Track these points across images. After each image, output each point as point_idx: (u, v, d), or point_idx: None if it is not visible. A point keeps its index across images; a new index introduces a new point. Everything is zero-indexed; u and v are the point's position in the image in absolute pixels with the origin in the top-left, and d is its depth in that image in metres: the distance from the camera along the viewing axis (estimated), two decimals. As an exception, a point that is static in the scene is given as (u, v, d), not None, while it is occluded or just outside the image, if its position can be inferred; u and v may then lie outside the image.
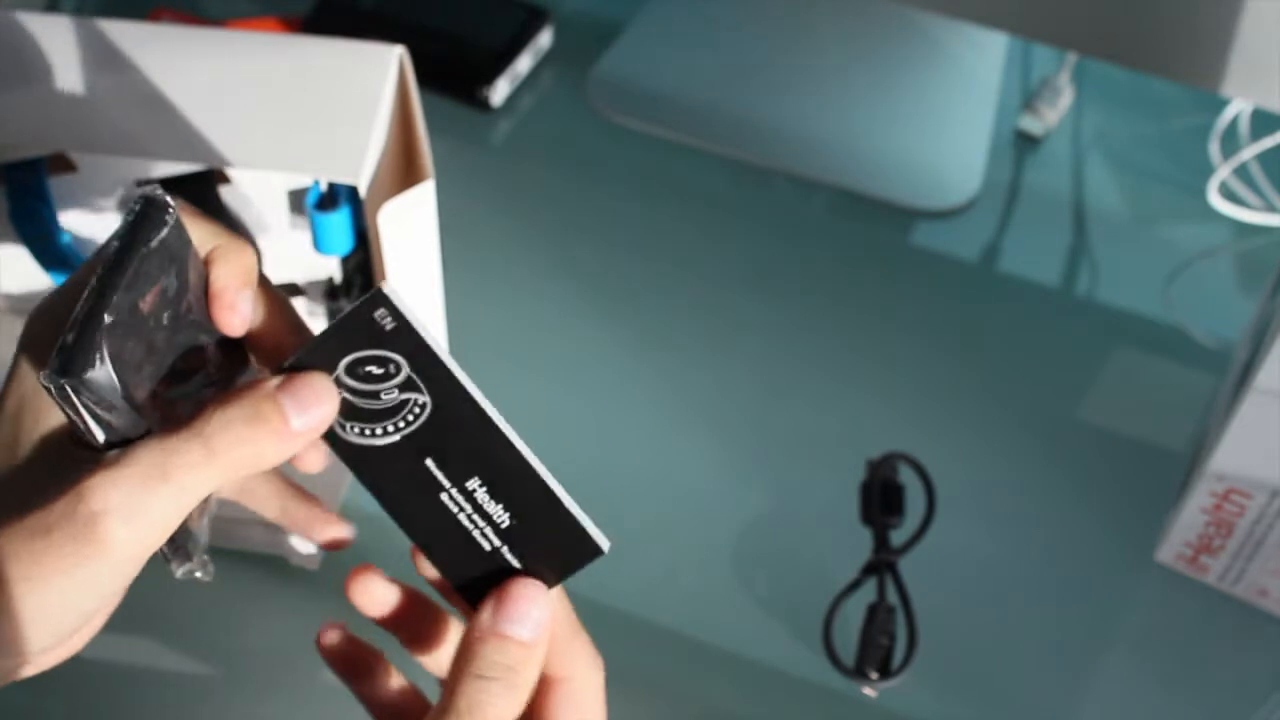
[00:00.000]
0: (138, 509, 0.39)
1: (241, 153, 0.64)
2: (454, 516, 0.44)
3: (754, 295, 0.78)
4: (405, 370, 0.43)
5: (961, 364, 0.75)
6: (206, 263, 0.44)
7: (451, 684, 0.42)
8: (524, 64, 0.89)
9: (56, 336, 0.40)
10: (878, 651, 0.61)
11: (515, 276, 0.79)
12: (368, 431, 0.43)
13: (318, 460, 0.46)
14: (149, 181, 0.65)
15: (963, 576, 0.67)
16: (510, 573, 0.44)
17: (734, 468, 0.71)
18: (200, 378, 0.44)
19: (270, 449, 0.41)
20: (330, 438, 0.43)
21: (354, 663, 0.48)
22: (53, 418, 0.41)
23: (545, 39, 0.90)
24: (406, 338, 0.42)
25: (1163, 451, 0.71)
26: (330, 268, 0.69)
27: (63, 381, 0.39)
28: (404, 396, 0.43)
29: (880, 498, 0.64)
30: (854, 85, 0.89)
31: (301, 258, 0.69)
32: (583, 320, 0.77)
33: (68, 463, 0.40)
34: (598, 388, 0.74)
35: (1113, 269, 0.80)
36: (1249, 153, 0.81)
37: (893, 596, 0.62)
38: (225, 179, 0.66)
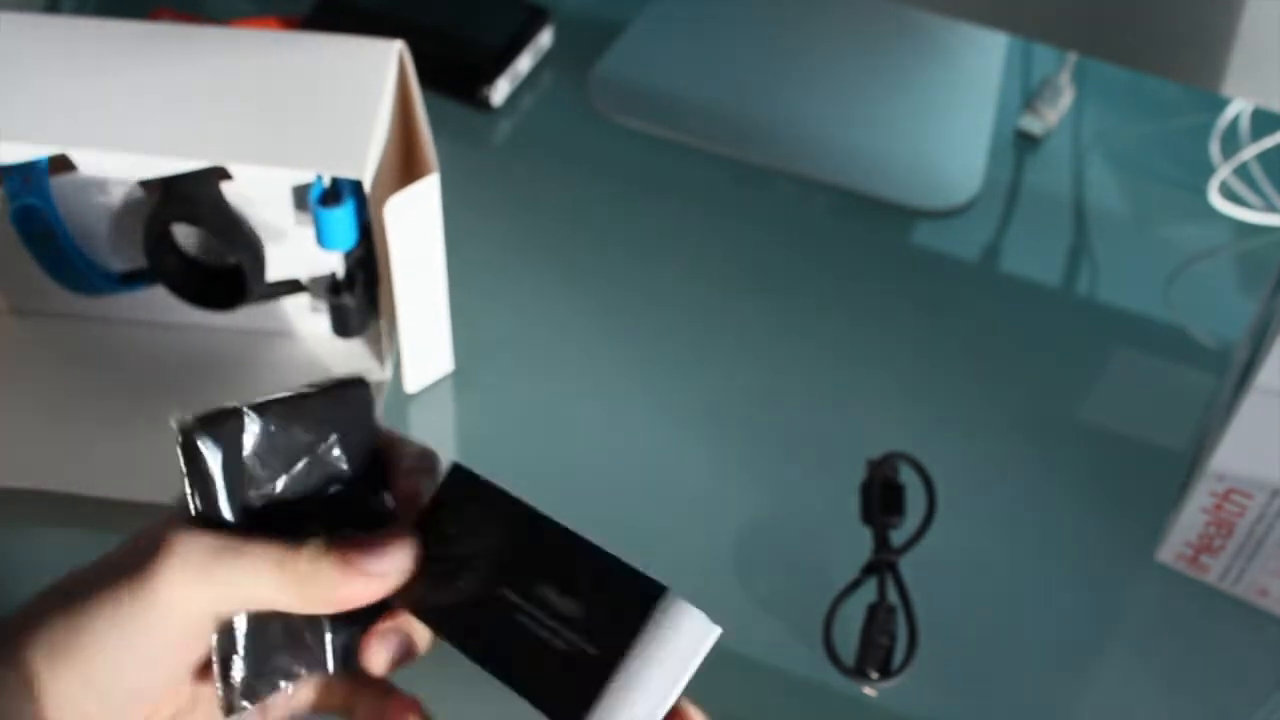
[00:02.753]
0: (196, 564, 0.41)
1: (244, 149, 0.64)
2: (531, 630, 0.43)
3: (753, 294, 0.78)
4: (480, 514, 0.45)
5: (961, 364, 0.75)
6: (390, 445, 0.47)
7: None
8: (524, 64, 0.89)
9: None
10: (878, 651, 0.61)
11: (514, 276, 0.79)
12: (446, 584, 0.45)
13: (381, 662, 0.46)
14: (153, 181, 0.65)
15: (963, 576, 0.67)
16: (590, 665, 0.42)
17: (734, 467, 0.71)
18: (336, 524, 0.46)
19: (338, 583, 0.43)
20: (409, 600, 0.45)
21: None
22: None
23: (545, 39, 0.90)
24: (479, 492, 0.46)
25: (1163, 451, 0.71)
26: (333, 263, 0.69)
27: (194, 433, 0.42)
28: (488, 540, 0.45)
29: (880, 497, 0.64)
30: (854, 85, 0.89)
31: (305, 253, 0.69)
32: (582, 319, 0.77)
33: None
34: (597, 387, 0.74)
35: (1113, 269, 0.80)
36: (1249, 153, 0.81)
37: (893, 596, 0.62)
38: (228, 176, 0.66)
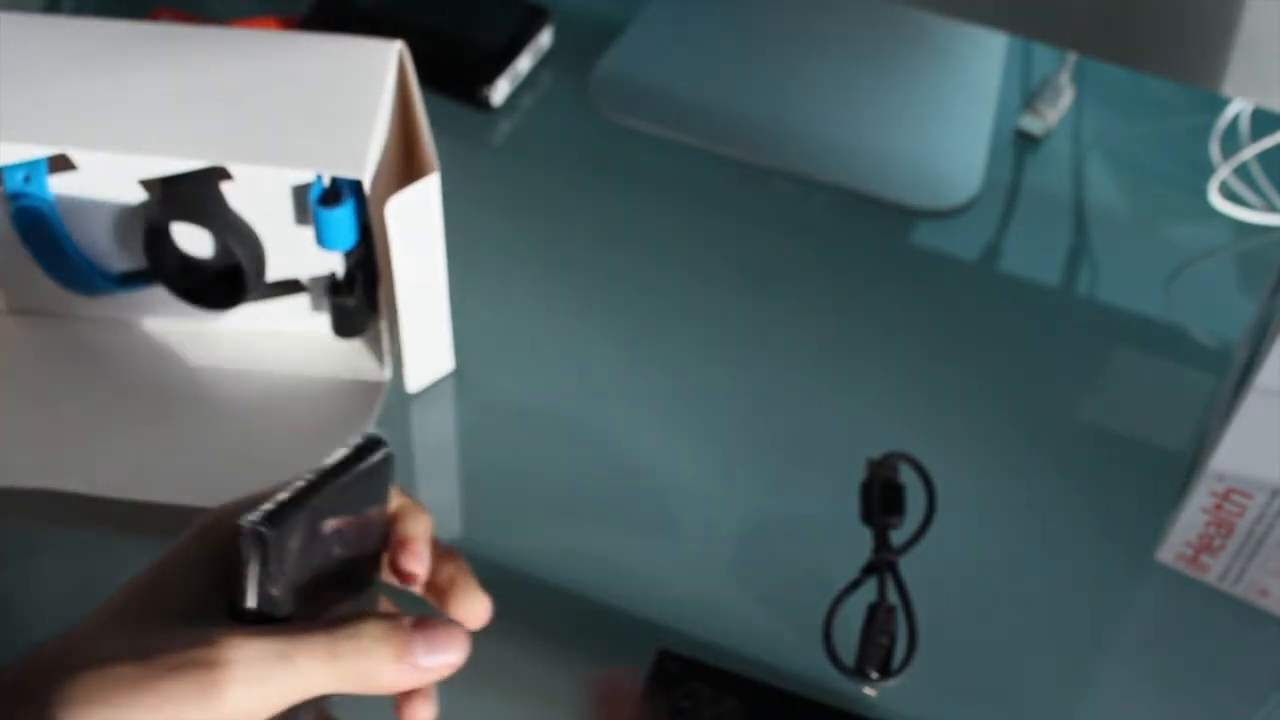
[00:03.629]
0: (256, 676, 0.42)
1: (244, 149, 0.64)
2: None
3: (753, 294, 0.78)
4: (705, 689, 0.53)
5: (961, 364, 0.75)
6: (393, 516, 0.49)
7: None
8: (524, 64, 0.89)
9: (232, 525, 0.43)
10: (878, 651, 0.61)
11: (515, 275, 0.79)
12: None
13: (427, 714, 0.49)
14: (159, 193, 0.66)
15: (962, 577, 0.67)
16: None
17: (735, 467, 0.71)
18: (341, 588, 0.47)
19: (388, 674, 0.44)
20: None
21: None
22: (203, 584, 0.45)
23: (545, 39, 0.90)
24: (694, 667, 0.53)
25: (1163, 451, 0.71)
26: (333, 263, 0.69)
27: (262, 530, 0.43)
28: (717, 710, 0.53)
29: (880, 497, 0.64)
30: (854, 85, 0.89)
31: (304, 253, 0.69)
32: (582, 319, 0.77)
33: (204, 621, 0.43)
34: (597, 386, 0.74)
35: (1113, 269, 0.80)
36: (1249, 152, 0.81)
37: (893, 596, 0.62)
38: (228, 176, 0.66)
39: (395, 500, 0.49)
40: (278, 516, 0.43)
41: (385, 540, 0.49)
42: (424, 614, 0.47)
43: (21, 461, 0.67)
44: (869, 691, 0.61)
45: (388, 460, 0.47)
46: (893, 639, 0.61)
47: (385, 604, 0.51)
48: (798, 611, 0.64)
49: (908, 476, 0.65)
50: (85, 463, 0.67)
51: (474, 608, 0.49)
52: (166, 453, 0.68)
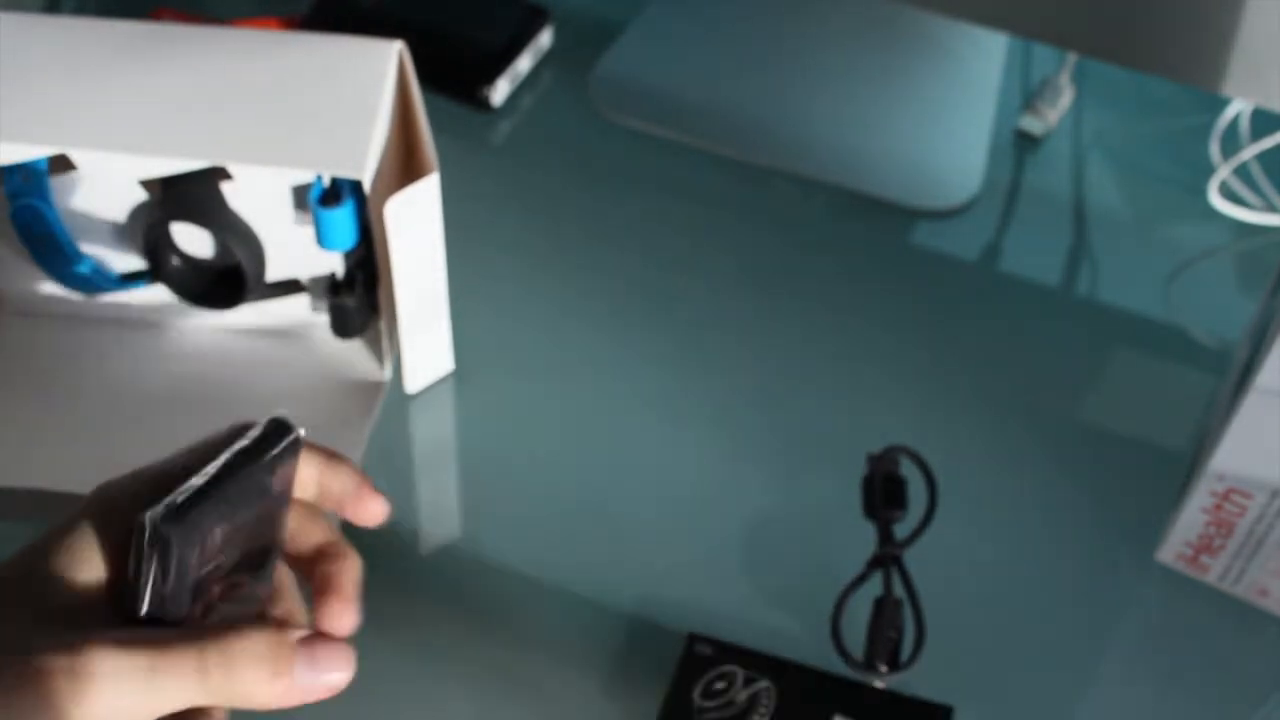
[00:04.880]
0: (122, 690, 0.39)
1: (244, 149, 0.64)
2: None
3: (753, 294, 0.78)
4: (739, 671, 0.55)
5: (961, 364, 0.75)
6: (322, 551, 0.46)
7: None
8: (524, 64, 0.89)
9: (131, 509, 0.41)
10: (886, 645, 0.61)
11: (515, 275, 0.79)
12: None
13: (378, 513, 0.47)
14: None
15: (963, 577, 0.67)
16: None
17: (735, 466, 0.71)
18: (239, 572, 0.45)
19: (263, 692, 0.42)
20: None
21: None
22: (91, 574, 0.42)
23: (545, 39, 0.90)
24: (725, 649, 0.55)
25: (1163, 451, 0.71)
26: (333, 263, 0.69)
27: (166, 531, 0.40)
28: (751, 691, 0.55)
29: (882, 491, 0.64)
30: (854, 85, 0.89)
31: (304, 253, 0.69)
32: (582, 319, 0.77)
33: (85, 619, 0.41)
34: (597, 386, 0.74)
35: (1113, 269, 0.80)
36: (1249, 152, 0.81)
37: (899, 592, 0.62)
38: (228, 176, 0.66)
39: (326, 534, 0.47)
40: (183, 513, 0.40)
41: (285, 517, 0.46)
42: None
43: (21, 461, 0.67)
44: (879, 685, 0.61)
45: (296, 444, 0.44)
46: (900, 632, 0.61)
47: (284, 579, 0.48)
48: (805, 607, 0.64)
49: (909, 476, 0.65)
50: (85, 463, 0.66)
51: (341, 619, 0.45)
52: (166, 453, 0.68)
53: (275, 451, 0.43)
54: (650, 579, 0.67)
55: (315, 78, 0.66)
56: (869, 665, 0.60)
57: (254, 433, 0.43)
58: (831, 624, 0.61)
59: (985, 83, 0.88)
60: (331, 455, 0.47)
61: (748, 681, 0.56)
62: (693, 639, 0.56)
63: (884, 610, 0.61)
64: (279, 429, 0.44)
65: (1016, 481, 0.71)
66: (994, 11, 0.76)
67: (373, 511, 0.48)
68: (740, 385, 0.74)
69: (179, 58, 0.67)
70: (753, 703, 0.56)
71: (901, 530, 0.64)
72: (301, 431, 0.44)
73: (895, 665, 0.60)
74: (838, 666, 0.61)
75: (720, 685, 0.56)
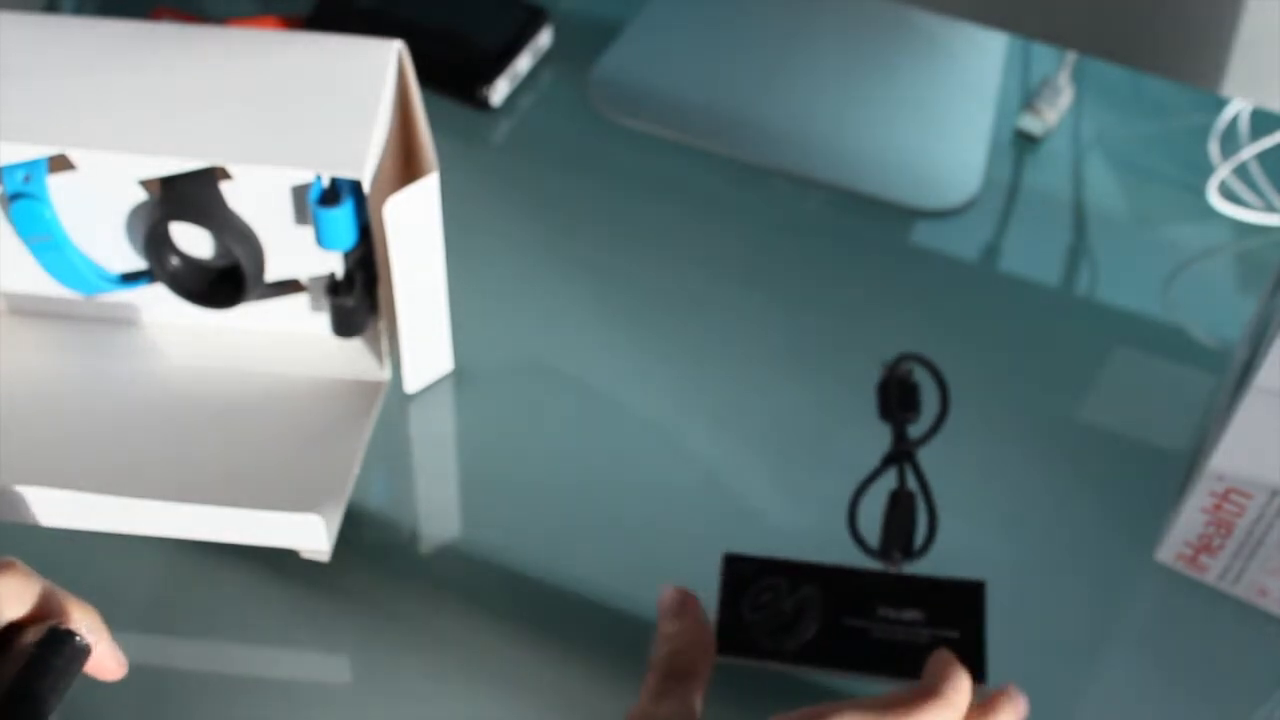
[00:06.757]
0: None
1: (244, 149, 0.64)
2: (889, 637, 0.56)
3: (753, 295, 0.79)
4: (782, 580, 0.56)
5: (961, 364, 0.75)
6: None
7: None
8: (524, 64, 0.89)
9: None
10: (901, 534, 0.61)
11: (514, 275, 0.79)
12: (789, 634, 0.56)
13: None
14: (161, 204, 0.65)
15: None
16: (957, 644, 0.56)
17: (735, 466, 0.71)
18: None
19: None
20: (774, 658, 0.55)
21: None
22: None
23: (545, 39, 0.90)
24: (768, 566, 0.57)
25: (1163, 451, 0.71)
26: (333, 263, 0.69)
27: None
28: (797, 597, 0.56)
29: (897, 394, 0.65)
30: (854, 85, 0.89)
31: (304, 253, 0.69)
32: (582, 318, 0.77)
33: None
34: (597, 385, 0.74)
35: (1113, 269, 0.80)
36: (1249, 153, 0.81)
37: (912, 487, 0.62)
38: (228, 176, 0.66)
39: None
40: None
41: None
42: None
43: (21, 461, 0.67)
44: (894, 569, 0.61)
45: (83, 652, 0.45)
46: (914, 523, 0.61)
47: None
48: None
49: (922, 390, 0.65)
50: (85, 462, 0.67)
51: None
52: (166, 452, 0.68)
53: (59, 660, 0.44)
54: (651, 577, 0.66)
55: (315, 77, 0.66)
56: (885, 554, 0.61)
57: (31, 646, 0.43)
58: (849, 516, 0.61)
59: (985, 82, 0.88)
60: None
61: (793, 589, 0.57)
62: (729, 560, 0.58)
63: (899, 502, 0.62)
64: (57, 638, 0.44)
65: (1016, 481, 0.71)
66: (994, 11, 0.76)
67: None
68: (739, 384, 0.74)
69: (178, 58, 0.67)
70: (801, 608, 0.56)
71: (915, 433, 0.64)
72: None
73: (909, 553, 0.61)
74: (859, 557, 0.61)
75: (767, 597, 0.57)
